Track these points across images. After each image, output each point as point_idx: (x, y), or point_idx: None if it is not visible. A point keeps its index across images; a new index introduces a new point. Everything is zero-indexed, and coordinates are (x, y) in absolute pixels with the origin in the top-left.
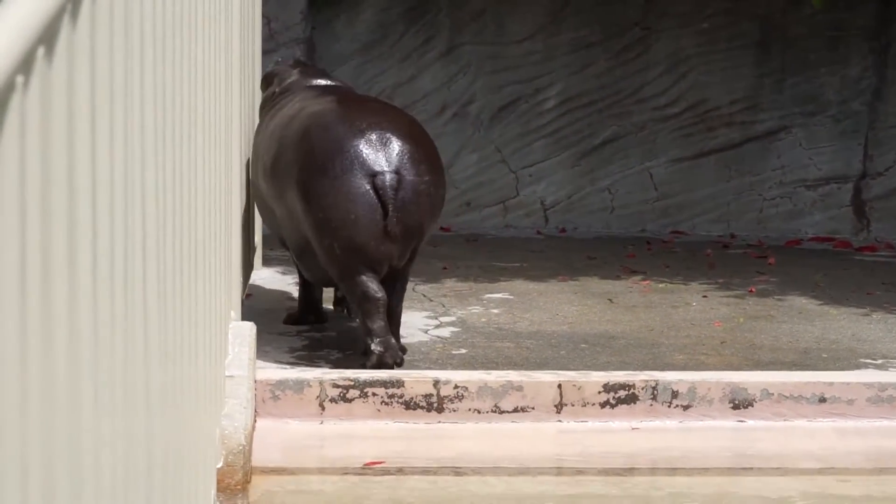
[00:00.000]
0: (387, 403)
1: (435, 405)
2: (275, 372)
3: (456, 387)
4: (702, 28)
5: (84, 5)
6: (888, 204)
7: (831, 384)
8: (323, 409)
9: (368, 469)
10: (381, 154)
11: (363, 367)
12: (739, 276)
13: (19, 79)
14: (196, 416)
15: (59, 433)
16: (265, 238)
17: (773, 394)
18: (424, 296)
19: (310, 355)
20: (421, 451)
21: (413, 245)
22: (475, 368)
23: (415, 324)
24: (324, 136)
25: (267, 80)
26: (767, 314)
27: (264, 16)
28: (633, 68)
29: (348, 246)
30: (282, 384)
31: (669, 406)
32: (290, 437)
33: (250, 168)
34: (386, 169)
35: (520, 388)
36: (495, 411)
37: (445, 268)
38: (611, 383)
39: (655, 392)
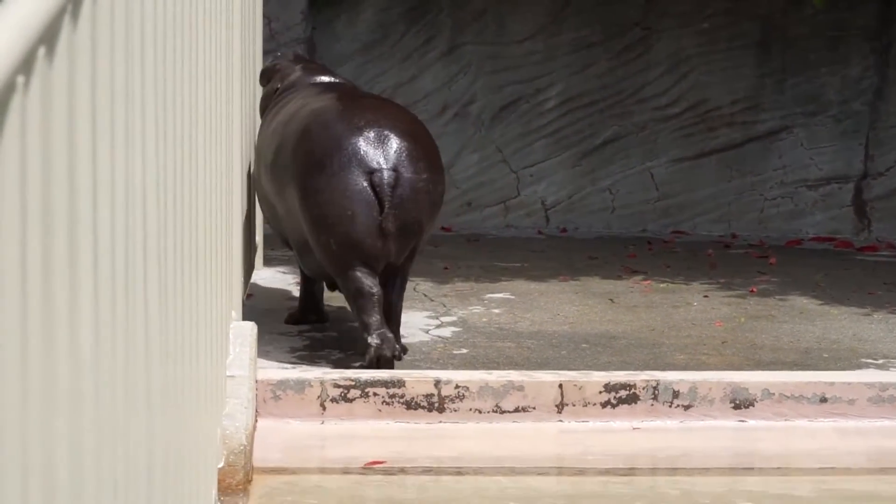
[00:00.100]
0: (388, 403)
1: (436, 405)
2: (276, 372)
3: (457, 387)
4: (702, 28)
5: (85, 5)
6: (889, 204)
7: (832, 384)
8: (324, 408)
9: (369, 469)
10: (380, 151)
11: (362, 362)
12: (740, 276)
13: (20, 79)
14: (197, 416)
15: (60, 433)
16: (266, 237)
17: (774, 394)
18: (425, 296)
19: (311, 355)
20: (422, 450)
21: (412, 242)
22: (476, 368)
23: (416, 324)
24: (323, 133)
25: (267, 76)
26: (768, 314)
27: (265, 16)
28: (634, 68)
29: (345, 242)
30: (283, 384)
31: (670, 406)
32: (291, 436)
33: (253, 165)
34: (383, 166)
35: (521, 388)
36: (496, 411)
37: (446, 268)
38: (612, 383)
39: (656, 392)
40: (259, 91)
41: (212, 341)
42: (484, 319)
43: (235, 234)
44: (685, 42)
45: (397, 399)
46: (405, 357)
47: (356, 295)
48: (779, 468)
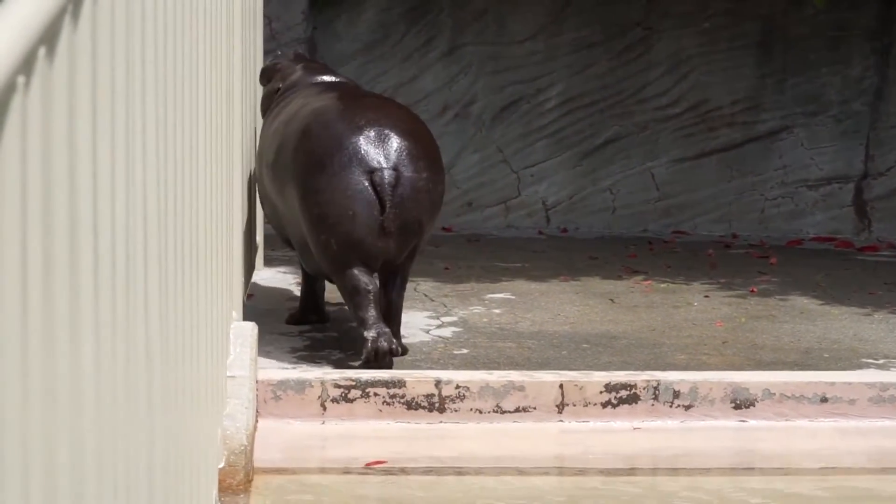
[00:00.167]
0: (388, 403)
1: (436, 405)
2: (276, 372)
3: (457, 387)
4: (703, 28)
5: (85, 6)
6: (890, 204)
7: (833, 384)
8: (324, 409)
9: (370, 469)
10: (380, 150)
11: (360, 357)
12: (741, 276)
13: (20, 79)
14: (197, 417)
15: (61, 433)
16: (267, 237)
17: (774, 394)
18: (426, 296)
19: (311, 355)
20: (422, 451)
21: (413, 242)
22: (477, 368)
23: (416, 324)
24: (323, 132)
25: (267, 75)
26: (769, 314)
27: (266, 16)
28: (635, 68)
29: (346, 242)
30: (283, 384)
31: (671, 406)
32: (291, 437)
33: (255, 166)
34: (384, 165)
35: (521, 388)
36: (497, 411)
37: (447, 268)
38: (612, 383)
39: (657, 392)
40: (260, 91)
41: (212, 341)
42: (485, 319)
43: (236, 234)
44: (686, 42)
45: (398, 399)
46: (406, 357)
47: (353, 292)
48: (779, 468)
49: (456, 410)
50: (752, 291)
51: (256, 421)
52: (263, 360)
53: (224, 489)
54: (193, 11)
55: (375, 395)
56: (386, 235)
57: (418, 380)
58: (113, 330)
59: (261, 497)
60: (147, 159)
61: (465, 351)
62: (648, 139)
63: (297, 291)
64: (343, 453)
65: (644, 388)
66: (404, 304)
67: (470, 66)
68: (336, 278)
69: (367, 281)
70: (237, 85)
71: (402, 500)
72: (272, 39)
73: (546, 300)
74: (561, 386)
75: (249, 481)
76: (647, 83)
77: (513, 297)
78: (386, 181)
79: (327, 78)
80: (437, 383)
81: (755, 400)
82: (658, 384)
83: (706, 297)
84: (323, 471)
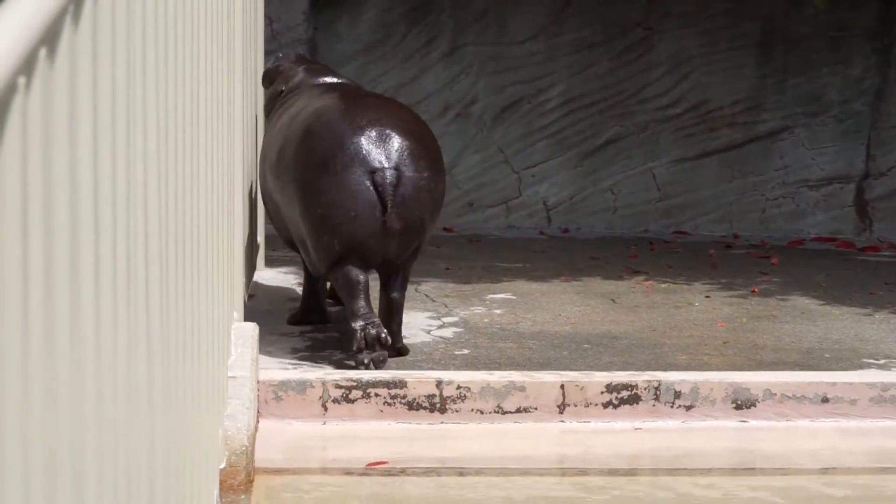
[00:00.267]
0: (389, 404)
1: (437, 406)
2: (277, 372)
3: (458, 387)
4: (704, 28)
5: (86, 6)
6: (890, 204)
7: (834, 384)
8: (325, 409)
9: (371, 470)
10: (381, 150)
11: (352, 351)
12: (742, 277)
13: (21, 80)
14: (198, 417)
15: (62, 434)
16: (268, 238)
17: (775, 394)
18: (427, 296)
19: (312, 356)
20: (423, 451)
21: (415, 241)
22: (478, 369)
23: (417, 324)
24: (325, 133)
25: (269, 77)
26: (770, 314)
27: (266, 16)
28: (636, 69)
29: (348, 242)
30: (284, 385)
31: (672, 406)
32: (292, 437)
33: (258, 166)
34: (386, 165)
35: (522, 389)
36: (498, 412)
37: (448, 268)
38: (613, 384)
39: (658, 392)
40: (261, 92)
41: (213, 342)
42: (486, 320)
43: (237, 234)
44: (686, 42)
45: (399, 400)
46: (407, 358)
47: (345, 284)
48: (780, 468)
49: (457, 411)
50: (754, 291)
51: (257, 421)
52: (265, 361)
53: (225, 489)
54: (194, 12)
55: (376, 395)
56: (388, 235)
57: (419, 380)
58: (114, 330)
59: (262, 497)
60: (148, 160)
61: (466, 351)
62: (649, 139)
63: (298, 291)
64: (344, 454)
65: (645, 389)
66: (405, 304)
67: (471, 67)
68: (330, 273)
69: (359, 273)
70: (238, 85)
71: (403, 500)
72: (273, 40)
73: (547, 300)
74: (562, 386)
75: (250, 482)
76: (647, 83)
77: (514, 298)
78: (388, 181)
79: (329, 79)
80: (439, 384)
81: (756, 400)
82: (659, 384)
83: (707, 297)
84: (324, 471)
